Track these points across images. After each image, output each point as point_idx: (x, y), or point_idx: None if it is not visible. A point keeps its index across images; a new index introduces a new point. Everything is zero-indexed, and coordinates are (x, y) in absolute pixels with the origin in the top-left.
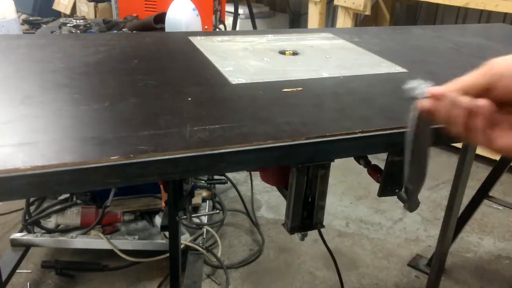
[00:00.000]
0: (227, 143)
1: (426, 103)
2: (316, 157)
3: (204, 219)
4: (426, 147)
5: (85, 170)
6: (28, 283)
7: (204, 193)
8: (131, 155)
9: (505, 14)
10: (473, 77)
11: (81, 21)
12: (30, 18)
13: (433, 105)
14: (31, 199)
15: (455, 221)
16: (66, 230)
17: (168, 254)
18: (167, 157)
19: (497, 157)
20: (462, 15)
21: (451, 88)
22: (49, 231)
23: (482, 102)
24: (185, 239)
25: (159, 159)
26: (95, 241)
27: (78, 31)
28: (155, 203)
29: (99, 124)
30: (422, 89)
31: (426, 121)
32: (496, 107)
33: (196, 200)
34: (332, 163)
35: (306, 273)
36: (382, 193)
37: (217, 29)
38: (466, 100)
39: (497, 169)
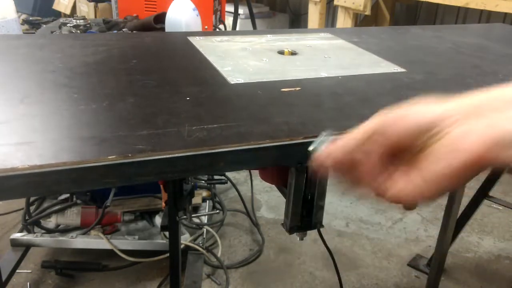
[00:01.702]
0: (225, 142)
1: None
2: None
3: (204, 219)
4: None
5: (83, 169)
6: (28, 283)
7: (204, 193)
8: (129, 155)
9: (505, 14)
10: (363, 127)
11: (81, 21)
12: (30, 18)
13: (324, 160)
14: (31, 199)
15: (455, 221)
16: (66, 230)
17: (168, 254)
18: (165, 156)
19: None
20: (462, 15)
21: (344, 140)
22: (49, 231)
23: (369, 147)
24: (185, 239)
25: (157, 158)
26: (95, 241)
27: (78, 31)
28: (155, 203)
29: (98, 124)
30: (321, 144)
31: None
32: (388, 156)
33: (196, 200)
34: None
35: (306, 273)
36: None
37: (217, 29)
38: (354, 147)
39: (497, 169)
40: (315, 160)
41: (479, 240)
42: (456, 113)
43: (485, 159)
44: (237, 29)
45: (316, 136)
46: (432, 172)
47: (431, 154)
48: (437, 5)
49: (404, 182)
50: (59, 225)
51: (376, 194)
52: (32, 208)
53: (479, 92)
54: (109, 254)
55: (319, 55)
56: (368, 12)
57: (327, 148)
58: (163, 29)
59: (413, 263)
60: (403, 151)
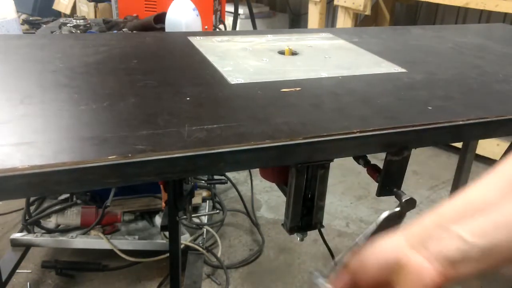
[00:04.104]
0: (225, 143)
1: None
2: (315, 156)
3: (204, 219)
4: None
5: (83, 169)
6: (28, 283)
7: (204, 193)
8: (129, 155)
9: (505, 14)
10: (339, 280)
11: (81, 21)
12: (30, 18)
13: None
14: (31, 199)
15: None
16: (66, 230)
17: (168, 254)
18: (165, 156)
19: (497, 157)
20: (462, 15)
21: None
22: (49, 231)
23: None
24: (185, 239)
25: (157, 158)
26: (95, 241)
27: (78, 31)
28: (155, 203)
29: (98, 124)
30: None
31: None
32: None
33: (196, 200)
34: (331, 163)
35: (306, 273)
36: (380, 192)
37: (217, 29)
38: None
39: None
40: None
41: None
42: (406, 247)
43: (443, 282)
44: (237, 29)
45: (319, 135)
46: None
47: None
48: (437, 5)
49: None
50: (59, 225)
51: None
52: (32, 208)
53: (422, 218)
54: (109, 254)
55: (319, 55)
56: (368, 12)
57: None
58: (163, 29)
59: None
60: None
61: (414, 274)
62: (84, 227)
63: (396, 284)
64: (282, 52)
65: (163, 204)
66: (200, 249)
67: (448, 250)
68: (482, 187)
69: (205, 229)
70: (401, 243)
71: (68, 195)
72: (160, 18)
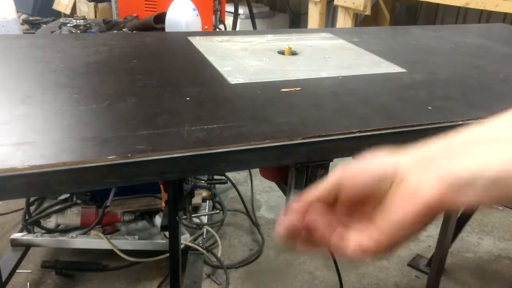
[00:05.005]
0: (225, 143)
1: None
2: (315, 157)
3: (204, 219)
4: None
5: (84, 169)
6: (28, 283)
7: (204, 193)
8: (129, 155)
9: (505, 14)
10: (322, 185)
11: (81, 21)
12: (30, 18)
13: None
14: (31, 199)
15: (455, 221)
16: (66, 230)
17: (168, 254)
18: (165, 156)
19: None
20: (462, 15)
21: (304, 198)
22: (49, 231)
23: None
24: (185, 239)
25: (157, 158)
26: (95, 241)
27: (78, 31)
28: (155, 203)
29: (98, 124)
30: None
31: None
32: (347, 210)
33: (196, 200)
34: (331, 163)
35: (306, 273)
36: None
37: (217, 29)
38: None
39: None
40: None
41: (479, 240)
42: (409, 163)
43: (440, 204)
44: (237, 29)
45: (318, 135)
46: (388, 223)
47: (387, 205)
48: (437, 5)
49: (362, 237)
50: (59, 225)
51: (336, 251)
52: (32, 208)
53: (430, 142)
54: (109, 254)
55: (319, 55)
56: (368, 12)
57: (285, 214)
58: (163, 29)
59: (413, 263)
60: (362, 204)
61: (405, 193)
62: (84, 227)
63: (379, 204)
64: (282, 52)
65: (163, 204)
66: (200, 249)
67: (456, 170)
68: (500, 122)
69: (205, 229)
70: (402, 160)
71: (68, 195)
72: (160, 18)
